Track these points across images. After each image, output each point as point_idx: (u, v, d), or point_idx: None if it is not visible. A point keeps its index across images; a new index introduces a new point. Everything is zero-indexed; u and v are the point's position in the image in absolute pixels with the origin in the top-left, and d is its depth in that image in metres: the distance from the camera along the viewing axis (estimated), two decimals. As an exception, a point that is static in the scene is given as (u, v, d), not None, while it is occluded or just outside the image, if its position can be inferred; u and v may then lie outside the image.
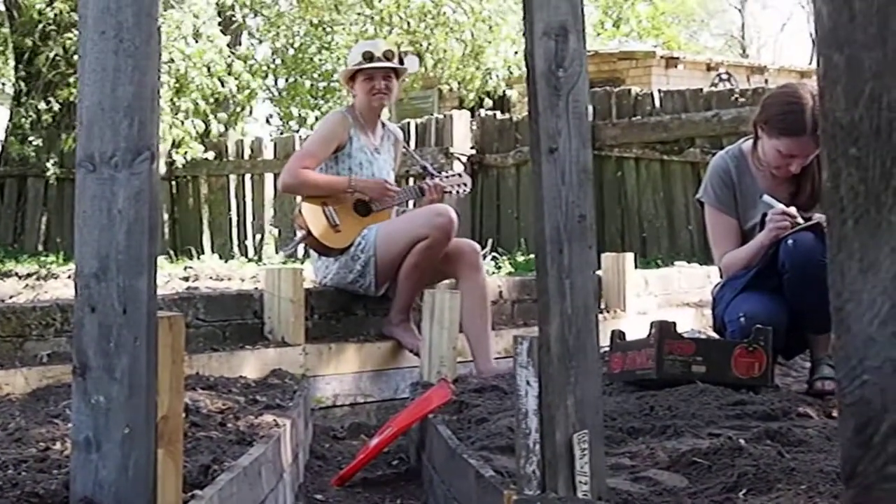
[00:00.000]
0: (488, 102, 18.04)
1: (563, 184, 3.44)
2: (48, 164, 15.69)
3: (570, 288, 3.45)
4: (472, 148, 14.94)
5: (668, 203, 13.62)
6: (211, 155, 15.99)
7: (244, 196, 16.35)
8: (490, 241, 13.21)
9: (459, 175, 7.70)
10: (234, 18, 18.06)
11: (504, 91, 18.75)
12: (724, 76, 24.22)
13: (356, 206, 7.30)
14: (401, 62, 7.49)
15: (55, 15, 15.14)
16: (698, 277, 9.76)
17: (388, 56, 7.42)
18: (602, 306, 8.37)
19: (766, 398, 4.97)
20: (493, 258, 12.30)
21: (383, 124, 7.65)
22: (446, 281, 7.43)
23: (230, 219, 16.43)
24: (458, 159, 14.25)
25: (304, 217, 7.23)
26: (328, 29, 17.43)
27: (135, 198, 3.10)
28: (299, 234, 7.37)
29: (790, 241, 5.31)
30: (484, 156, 15.05)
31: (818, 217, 5.37)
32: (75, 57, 14.65)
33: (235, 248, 16.18)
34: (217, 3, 16.59)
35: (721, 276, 5.83)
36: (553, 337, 3.43)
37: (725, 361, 5.19)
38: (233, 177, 16.40)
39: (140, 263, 3.10)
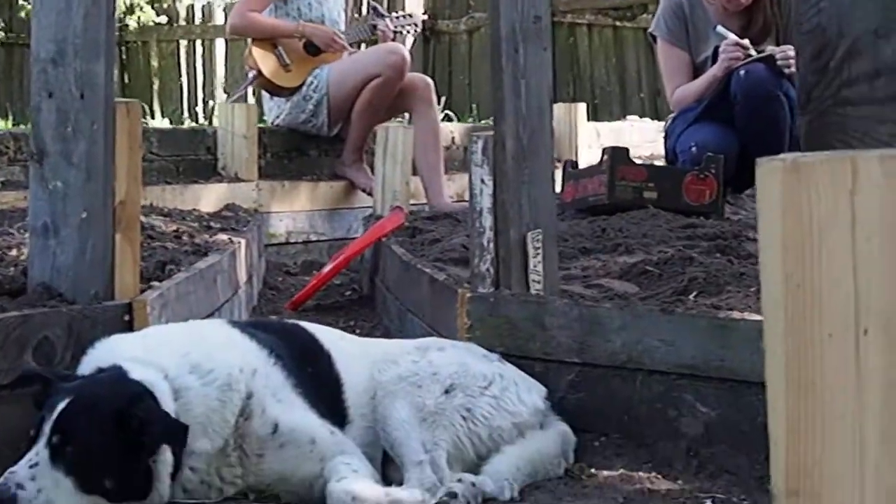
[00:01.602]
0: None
1: (519, -17, 3.46)
2: (-5, 29, 15.42)
3: (524, 88, 3.48)
4: (424, 13, 14.83)
5: (619, 70, 13.59)
6: (163, 19, 15.78)
7: (195, 62, 16.19)
8: (443, 105, 13.16)
9: (410, 15, 7.71)
10: None
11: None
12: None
13: (306, 46, 7.26)
14: None
15: None
16: (650, 131, 9.80)
17: None
18: (554, 157, 8.37)
19: (716, 223, 5.02)
20: (446, 116, 12.26)
21: (332, -36, 7.60)
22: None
23: (181, 85, 16.28)
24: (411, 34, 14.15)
25: (254, 57, 7.20)
26: None
27: (92, -20, 3.09)
28: (250, 74, 7.35)
29: (742, 72, 5.34)
30: (436, 22, 14.92)
31: (771, 49, 5.40)
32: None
33: (186, 114, 16.05)
34: None
35: (673, 111, 5.87)
36: (508, 135, 3.46)
37: (677, 188, 5.23)
38: (183, 42, 16.21)
39: (98, 47, 3.10)
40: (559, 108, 8.63)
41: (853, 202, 1.16)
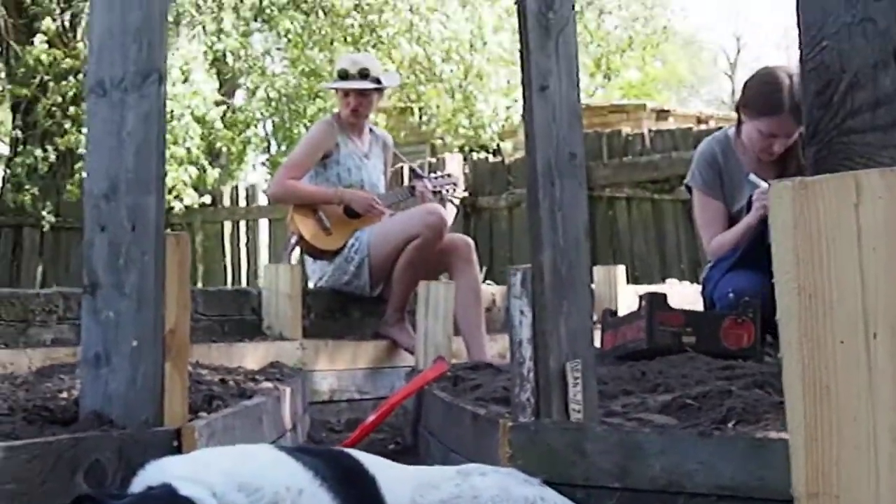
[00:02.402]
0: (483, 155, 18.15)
1: (553, 121, 3.58)
2: (44, 213, 15.72)
3: (561, 221, 3.57)
4: (464, 190, 15.05)
5: (659, 242, 13.67)
6: (207, 199, 16.05)
7: (238, 242, 16.40)
8: (483, 274, 13.27)
9: (448, 175, 7.85)
10: (227, 73, 18.23)
11: (498, 144, 18.87)
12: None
13: (346, 210, 7.43)
14: (378, 81, 7.63)
15: (50, 62, 15.20)
16: (690, 294, 9.83)
17: (363, 73, 7.57)
18: (595, 319, 8.43)
19: (755, 365, 5.05)
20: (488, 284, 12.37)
21: (371, 130, 7.80)
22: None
23: (224, 265, 16.48)
24: (451, 202, 14.36)
25: (295, 223, 7.38)
26: (319, 78, 17.44)
27: (144, 120, 3.22)
28: (292, 239, 7.51)
29: (777, 219, 5.42)
30: (476, 198, 15.13)
31: (804, 196, 5.49)
32: (72, 108, 14.83)
33: (230, 294, 16.18)
34: (211, 50, 16.72)
35: (710, 260, 5.94)
36: (546, 267, 3.54)
37: (715, 332, 5.28)
38: (227, 223, 16.45)
39: (148, 182, 3.23)
40: (599, 271, 8.73)
41: (858, 214, 1.25)
